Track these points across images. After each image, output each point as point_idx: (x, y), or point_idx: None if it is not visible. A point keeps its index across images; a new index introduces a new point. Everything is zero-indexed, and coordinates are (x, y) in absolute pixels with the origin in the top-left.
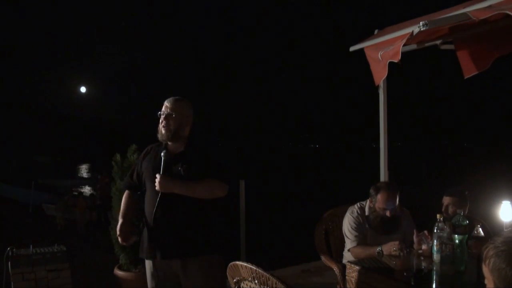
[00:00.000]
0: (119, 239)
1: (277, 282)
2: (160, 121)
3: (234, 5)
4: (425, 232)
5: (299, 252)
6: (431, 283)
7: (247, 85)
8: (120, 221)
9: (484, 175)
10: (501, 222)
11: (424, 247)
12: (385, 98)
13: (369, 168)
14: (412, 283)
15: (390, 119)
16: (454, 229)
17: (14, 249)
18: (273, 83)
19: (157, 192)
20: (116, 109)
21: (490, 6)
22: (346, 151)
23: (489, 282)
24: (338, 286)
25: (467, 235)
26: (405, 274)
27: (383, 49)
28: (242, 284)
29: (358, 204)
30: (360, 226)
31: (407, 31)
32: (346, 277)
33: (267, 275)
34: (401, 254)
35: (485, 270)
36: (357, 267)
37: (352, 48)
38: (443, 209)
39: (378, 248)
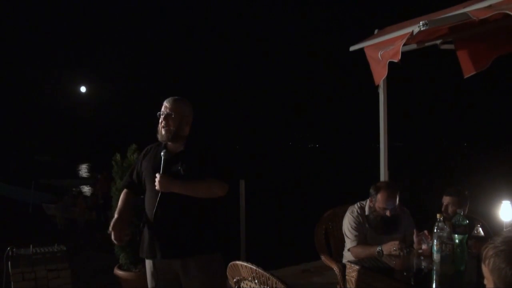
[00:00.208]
0: (112, 236)
1: (277, 282)
2: (160, 121)
3: (234, 5)
4: (425, 232)
5: (299, 252)
6: (431, 283)
7: (247, 85)
8: (115, 216)
9: (484, 175)
10: (501, 222)
11: (424, 247)
12: (385, 98)
13: (369, 168)
14: (412, 283)
15: (390, 119)
16: (454, 229)
17: (14, 249)
18: (273, 83)
19: (157, 191)
20: (116, 109)
21: (490, 6)
22: (346, 151)
23: (488, 282)
24: (338, 286)
25: (467, 235)
26: (405, 274)
27: (383, 49)
28: (242, 284)
29: (358, 204)
30: (360, 225)
31: (407, 31)
32: (346, 277)
33: (267, 275)
34: (401, 254)
35: (485, 270)
36: (357, 267)
37: (352, 48)
38: (443, 209)
39: (378, 248)
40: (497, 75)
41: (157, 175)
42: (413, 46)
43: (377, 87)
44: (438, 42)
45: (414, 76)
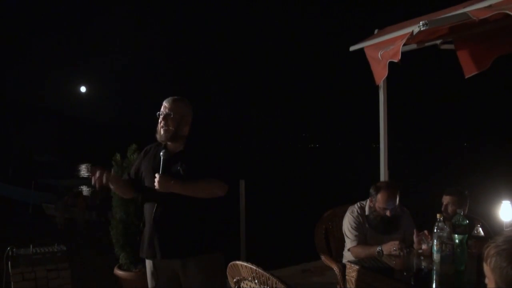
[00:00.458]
0: (96, 174)
1: (277, 282)
2: (159, 121)
3: (234, 5)
4: (425, 231)
5: (299, 252)
6: (431, 283)
7: (246, 85)
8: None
9: (484, 175)
10: (501, 221)
11: (424, 247)
12: (385, 98)
13: (369, 168)
14: (412, 283)
15: (390, 119)
16: (454, 228)
17: (14, 249)
18: (272, 83)
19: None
20: (116, 109)
21: (490, 6)
22: (346, 151)
23: (490, 281)
24: (338, 286)
25: (467, 235)
26: (405, 274)
27: (383, 49)
28: (242, 284)
29: (358, 203)
30: (360, 225)
31: (407, 31)
32: (346, 276)
33: (267, 275)
34: (401, 254)
35: (486, 269)
36: (357, 267)
37: (352, 48)
38: (442, 209)
39: (378, 248)
40: (497, 75)
41: (157, 175)
42: (413, 46)
43: (377, 87)
44: (438, 42)
45: (414, 76)
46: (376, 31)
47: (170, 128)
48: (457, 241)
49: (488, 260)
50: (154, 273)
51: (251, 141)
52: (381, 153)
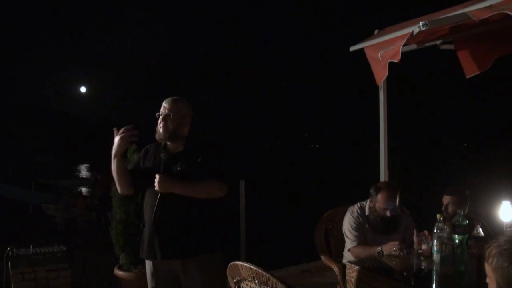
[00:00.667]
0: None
1: (277, 282)
2: (159, 121)
3: (234, 4)
4: (425, 232)
5: (299, 252)
6: (431, 283)
7: (247, 85)
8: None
9: (484, 175)
10: (501, 222)
11: (424, 247)
12: (385, 98)
13: (369, 168)
14: (412, 283)
15: (390, 119)
16: (454, 229)
17: (14, 249)
18: (272, 83)
19: (156, 192)
20: (116, 109)
21: (490, 6)
22: (346, 151)
23: (491, 281)
24: (338, 286)
25: (467, 235)
26: (405, 274)
27: (383, 49)
28: (242, 284)
29: (358, 204)
30: (360, 226)
31: (407, 31)
32: (346, 277)
33: (267, 275)
34: (401, 254)
35: (488, 269)
36: (357, 267)
37: (352, 48)
38: (443, 208)
39: (378, 248)
40: (497, 75)
41: (157, 176)
42: (413, 46)
43: (378, 87)
44: (438, 42)
45: (414, 76)
46: (376, 31)
47: (169, 128)
48: (457, 241)
49: (490, 260)
50: (154, 274)
51: (251, 141)
52: (381, 153)
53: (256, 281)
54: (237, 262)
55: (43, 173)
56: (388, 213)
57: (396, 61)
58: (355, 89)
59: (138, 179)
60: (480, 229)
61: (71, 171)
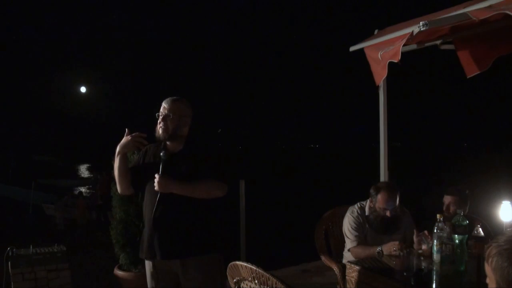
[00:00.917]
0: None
1: (277, 282)
2: (158, 122)
3: (234, 4)
4: (425, 232)
5: (299, 252)
6: (431, 283)
7: (247, 85)
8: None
9: (484, 175)
10: (501, 222)
11: (424, 247)
12: (385, 98)
13: (369, 168)
14: (412, 283)
15: (390, 119)
16: (454, 229)
17: (14, 249)
18: (273, 83)
19: (156, 192)
20: (116, 109)
21: (490, 6)
22: (346, 151)
23: (491, 281)
24: (338, 286)
25: (467, 235)
26: (405, 274)
27: (383, 49)
28: (242, 284)
29: (358, 204)
30: (360, 226)
31: (407, 31)
32: (346, 277)
33: (267, 275)
34: (401, 254)
35: (488, 269)
36: (357, 267)
37: (352, 48)
38: (444, 208)
39: (378, 248)
40: (497, 75)
41: (156, 176)
42: (413, 46)
43: (377, 87)
44: (438, 42)
45: (414, 76)
46: (376, 31)
47: (169, 129)
48: (457, 241)
49: (490, 260)
50: (154, 274)
51: (251, 141)
52: (381, 153)
53: (256, 281)
54: (237, 262)
55: (43, 173)
56: (388, 213)
57: (396, 61)
58: (355, 89)
59: (138, 179)
60: (480, 229)
61: (71, 171)
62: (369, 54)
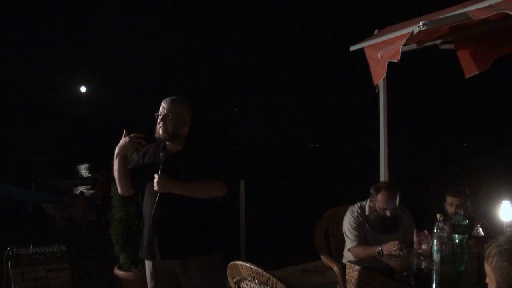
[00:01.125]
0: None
1: (277, 282)
2: (158, 121)
3: (234, 4)
4: (425, 232)
5: (299, 252)
6: (431, 283)
7: (246, 85)
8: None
9: (484, 175)
10: (501, 222)
11: (424, 247)
12: (385, 98)
13: (369, 168)
14: (412, 283)
15: (390, 119)
16: (454, 228)
17: (14, 249)
18: (272, 83)
19: (155, 192)
20: (116, 109)
21: (490, 6)
22: (346, 151)
23: (491, 280)
24: (338, 286)
25: (467, 235)
26: (405, 274)
27: (383, 49)
28: (242, 284)
29: (358, 204)
30: (360, 226)
31: (407, 31)
32: (346, 277)
33: (267, 275)
34: (401, 254)
35: (488, 269)
36: (357, 267)
37: (352, 48)
38: (447, 209)
39: (378, 248)
40: (497, 75)
41: (156, 176)
42: (413, 46)
43: (375, 87)
44: (438, 42)
45: (414, 76)
46: (376, 31)
47: (169, 128)
48: (457, 241)
49: (489, 260)
50: (154, 274)
51: (251, 141)
52: (381, 153)
53: (256, 281)
54: (237, 262)
55: (43, 173)
56: (388, 213)
57: (395, 61)
58: (355, 89)
59: (138, 179)
60: (480, 229)
61: (71, 171)
62: (368, 54)
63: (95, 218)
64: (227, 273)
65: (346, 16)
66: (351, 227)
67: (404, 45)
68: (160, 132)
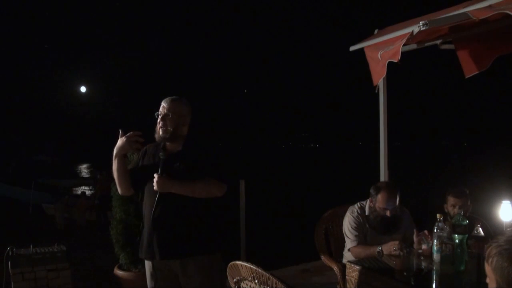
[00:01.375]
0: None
1: (277, 282)
2: (158, 121)
3: (234, 4)
4: (425, 231)
5: (299, 252)
6: (431, 283)
7: (246, 85)
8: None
9: (484, 175)
10: (501, 222)
11: (424, 247)
12: (385, 98)
13: (369, 168)
14: (412, 283)
15: (390, 119)
16: (454, 229)
17: (14, 249)
18: (272, 83)
19: (155, 192)
20: (116, 109)
21: (490, 6)
22: (346, 151)
23: (491, 280)
24: (338, 286)
25: (467, 235)
26: (405, 274)
27: (383, 49)
28: (242, 284)
29: (358, 204)
30: (360, 226)
31: (407, 31)
32: (346, 277)
33: (267, 275)
34: (401, 254)
35: (488, 269)
36: (357, 267)
37: (352, 48)
38: (447, 209)
39: (378, 248)
40: (497, 75)
41: (155, 176)
42: (413, 46)
43: (375, 87)
44: (438, 42)
45: (414, 76)
46: (376, 31)
47: (169, 128)
48: (457, 241)
49: (490, 260)
50: (153, 274)
51: (251, 141)
52: (381, 153)
53: (256, 281)
54: (237, 262)
55: (43, 173)
56: (388, 213)
57: (395, 61)
58: (355, 89)
59: (138, 179)
60: (480, 229)
61: (71, 171)
62: (368, 53)
63: (95, 218)
64: (227, 273)
65: (346, 16)
66: (351, 227)
67: (404, 45)
68: (161, 132)
